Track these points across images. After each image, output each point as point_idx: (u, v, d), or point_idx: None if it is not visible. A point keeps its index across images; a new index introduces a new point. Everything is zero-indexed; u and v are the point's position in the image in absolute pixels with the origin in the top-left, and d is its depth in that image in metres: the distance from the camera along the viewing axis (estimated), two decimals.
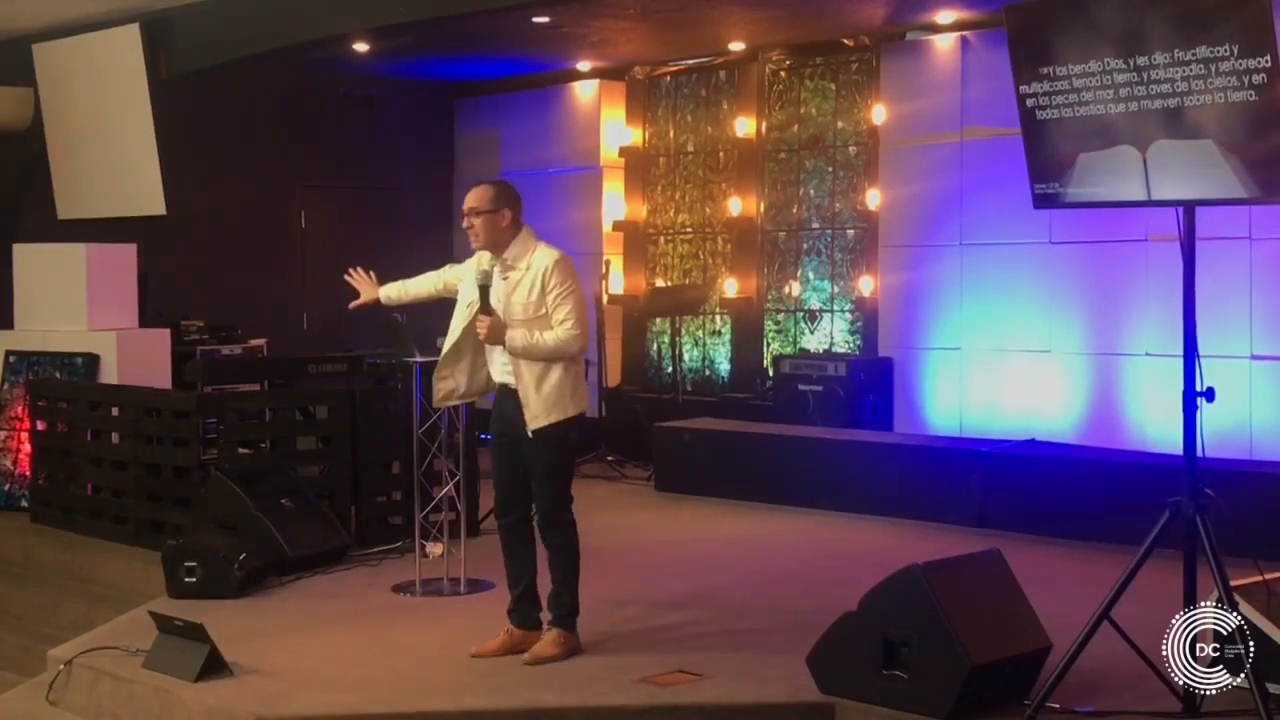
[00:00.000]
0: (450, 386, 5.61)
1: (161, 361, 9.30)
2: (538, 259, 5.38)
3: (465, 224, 5.45)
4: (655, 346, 11.77)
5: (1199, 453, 4.64)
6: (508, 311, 5.37)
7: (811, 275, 10.85)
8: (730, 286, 11.16)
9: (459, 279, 5.71)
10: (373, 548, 7.45)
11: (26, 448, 8.90)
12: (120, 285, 9.30)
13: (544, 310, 5.33)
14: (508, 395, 5.45)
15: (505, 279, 5.41)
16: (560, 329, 5.31)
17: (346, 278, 6.10)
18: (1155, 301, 8.62)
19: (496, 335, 5.32)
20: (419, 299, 6.00)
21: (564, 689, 5.10)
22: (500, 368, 5.46)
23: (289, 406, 8.07)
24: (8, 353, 9.29)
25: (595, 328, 11.39)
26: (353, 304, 6.09)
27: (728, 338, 11.39)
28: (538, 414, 5.33)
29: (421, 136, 12.73)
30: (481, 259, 5.48)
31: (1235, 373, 8.18)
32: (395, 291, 6.01)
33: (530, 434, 5.34)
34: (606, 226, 11.80)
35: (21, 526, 8.49)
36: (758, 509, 8.76)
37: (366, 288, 6.04)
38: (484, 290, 5.36)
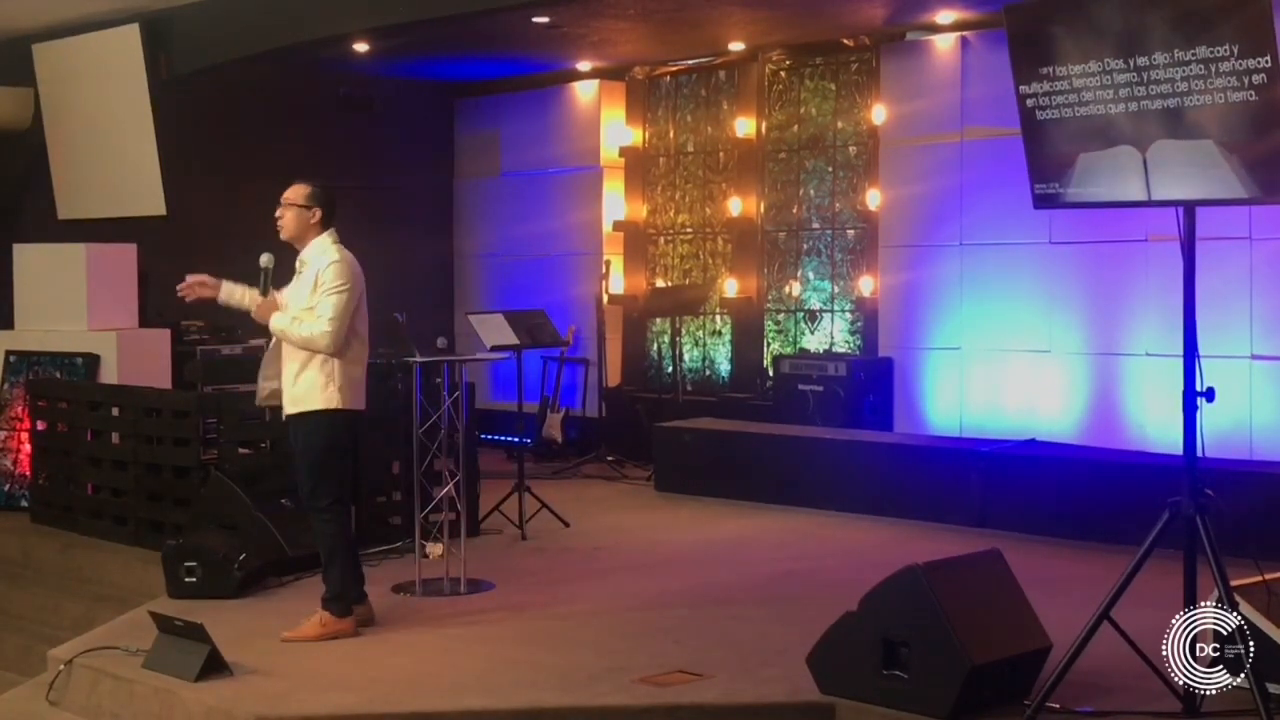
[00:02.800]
0: (274, 386, 5.95)
1: (161, 361, 9.31)
2: (321, 258, 5.78)
3: (278, 213, 5.84)
4: (655, 346, 11.77)
5: (1199, 453, 4.64)
6: (286, 300, 5.82)
7: (811, 275, 10.85)
8: (730, 286, 11.15)
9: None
10: (373, 548, 7.44)
11: (26, 448, 8.90)
12: (120, 285, 9.31)
13: (311, 305, 5.73)
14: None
15: (299, 273, 5.85)
16: (316, 323, 5.68)
17: (183, 292, 6.15)
18: (1155, 301, 8.62)
19: (264, 314, 5.79)
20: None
21: (564, 689, 5.10)
22: (282, 359, 5.85)
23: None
24: (8, 353, 9.30)
25: (595, 328, 11.42)
26: (189, 297, 6.15)
27: (728, 338, 11.39)
28: (290, 400, 5.79)
29: (421, 136, 12.72)
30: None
31: (1235, 373, 8.17)
32: (236, 293, 6.09)
33: (284, 418, 5.84)
34: (606, 226, 11.80)
35: (21, 526, 8.49)
36: (758, 509, 8.76)
37: (207, 288, 6.10)
38: (266, 272, 5.82)
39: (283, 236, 5.86)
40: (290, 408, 5.80)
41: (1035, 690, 4.66)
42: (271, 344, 5.96)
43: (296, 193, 5.84)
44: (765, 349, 11.05)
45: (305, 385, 5.75)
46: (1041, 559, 6.86)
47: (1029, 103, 5.00)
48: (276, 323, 5.76)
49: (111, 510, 8.03)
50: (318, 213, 5.83)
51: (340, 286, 5.72)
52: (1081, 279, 9.19)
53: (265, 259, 5.86)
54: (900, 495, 8.36)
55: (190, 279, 6.10)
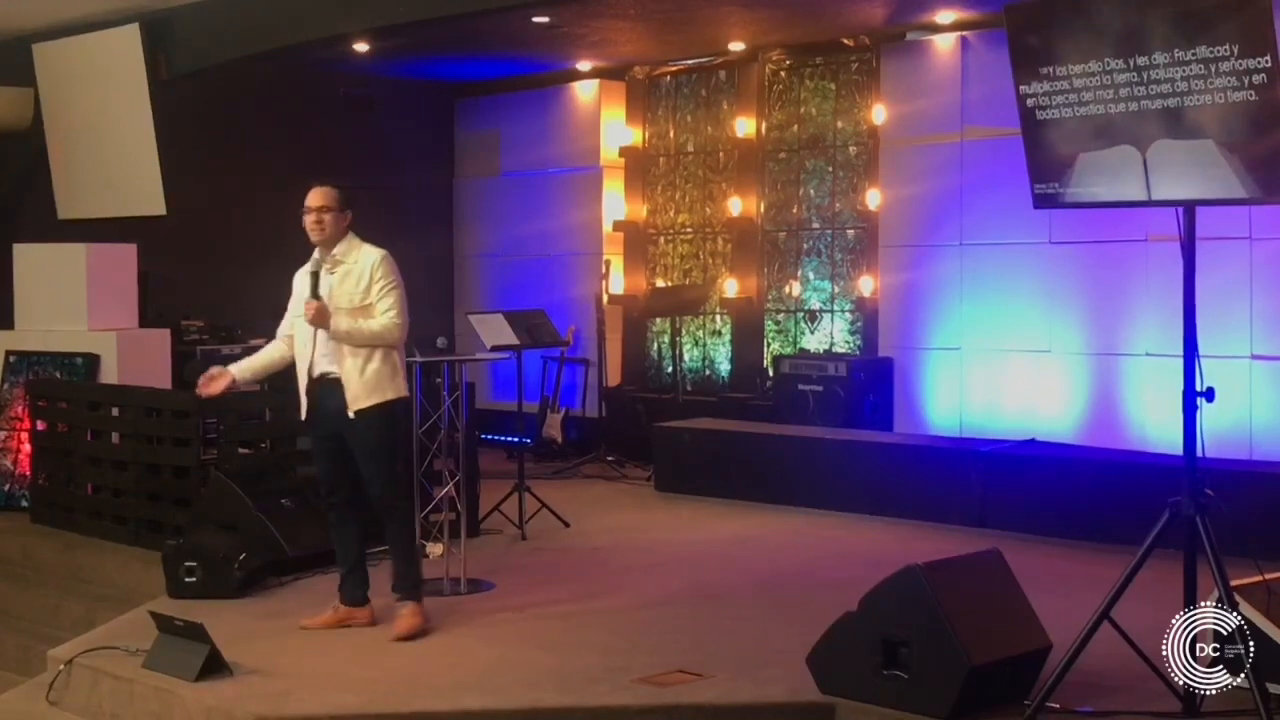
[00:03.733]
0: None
1: (161, 361, 9.29)
2: (364, 255, 5.85)
3: (313, 219, 5.83)
4: (655, 346, 11.77)
5: (1199, 453, 4.64)
6: (334, 302, 5.76)
7: (811, 275, 10.86)
8: (730, 286, 11.15)
9: (290, 312, 6.04)
10: (373, 548, 7.43)
11: (26, 448, 8.90)
12: (120, 285, 9.30)
13: (368, 301, 5.77)
14: (327, 387, 5.78)
15: (333, 273, 5.82)
16: (384, 318, 5.76)
17: (199, 393, 6.08)
18: (1155, 301, 8.62)
19: (322, 319, 5.71)
20: (271, 367, 6.14)
21: (564, 689, 5.10)
22: (320, 360, 5.79)
23: (289, 406, 8.04)
24: (8, 353, 9.29)
25: (595, 328, 11.41)
26: (205, 392, 6.05)
27: (728, 338, 11.38)
28: (359, 395, 5.74)
29: (421, 136, 12.72)
30: (308, 265, 5.90)
31: (1235, 373, 8.18)
32: (247, 371, 6.10)
33: (352, 415, 5.73)
34: (606, 226, 11.80)
35: (21, 526, 8.49)
36: (758, 509, 8.76)
37: (218, 381, 6.00)
38: (315, 277, 5.79)
39: (316, 240, 5.87)
40: (359, 402, 5.75)
41: (1035, 690, 4.66)
42: (283, 345, 6.01)
43: (328, 197, 5.88)
44: (765, 349, 11.05)
45: (374, 378, 5.77)
46: (1041, 559, 6.86)
47: (1029, 103, 5.00)
48: (341, 324, 5.73)
49: (111, 510, 8.02)
50: (349, 215, 5.92)
51: (397, 279, 5.85)
52: (1081, 279, 9.19)
53: (314, 264, 5.87)
54: (900, 495, 8.37)
55: (202, 380, 6.02)
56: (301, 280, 5.97)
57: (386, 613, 6.18)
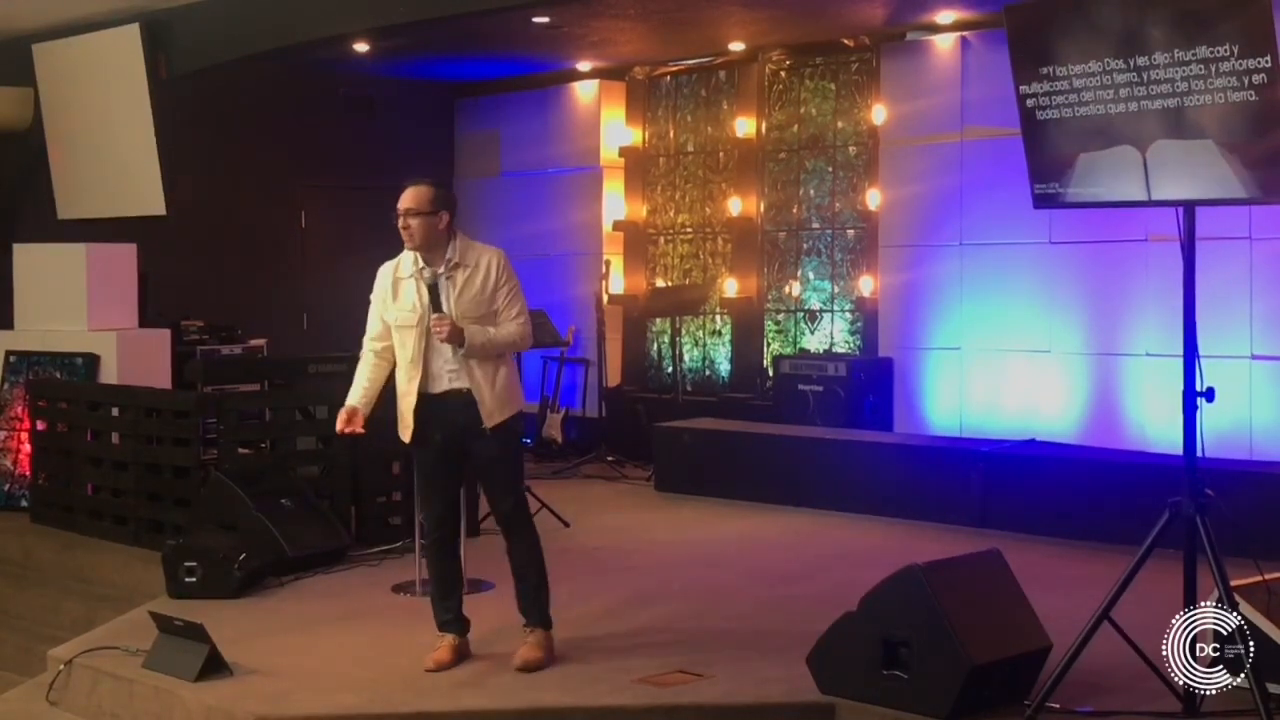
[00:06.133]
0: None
1: (161, 361, 9.29)
2: (484, 257, 5.36)
3: (400, 225, 5.30)
4: (655, 346, 11.77)
5: (1199, 453, 4.64)
6: (458, 311, 5.29)
7: (811, 275, 10.85)
8: (730, 286, 11.15)
9: (384, 311, 5.45)
10: (373, 548, 7.45)
11: (26, 448, 8.90)
12: (120, 285, 9.30)
13: (494, 307, 5.33)
14: (455, 401, 5.33)
15: (450, 279, 5.32)
16: (513, 323, 5.34)
17: (344, 432, 5.55)
18: (1155, 301, 8.62)
19: (456, 335, 5.23)
20: (379, 383, 5.57)
21: (564, 689, 5.10)
22: (447, 376, 5.33)
23: (289, 406, 8.07)
24: (8, 353, 9.29)
25: (595, 328, 11.42)
26: (349, 431, 5.53)
27: (728, 338, 11.38)
28: (493, 410, 5.32)
29: (421, 136, 12.72)
30: (401, 266, 5.40)
31: (1235, 373, 8.17)
32: (366, 397, 5.55)
33: (489, 432, 5.32)
34: (606, 226, 11.80)
35: (21, 526, 8.49)
36: (758, 509, 8.76)
37: (355, 421, 5.51)
38: (433, 290, 5.28)
39: (409, 248, 5.33)
40: (494, 417, 5.32)
41: (1035, 690, 4.66)
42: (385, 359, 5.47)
43: (418, 199, 5.27)
44: (765, 349, 11.05)
45: (505, 390, 5.36)
46: (1041, 559, 6.86)
47: (1029, 103, 5.00)
48: (476, 338, 5.25)
49: (111, 510, 8.02)
50: (445, 217, 5.29)
51: (515, 280, 5.41)
52: (1081, 279, 9.20)
53: (430, 274, 5.31)
54: (900, 495, 8.36)
55: (342, 419, 5.49)
56: (396, 285, 5.40)
57: (388, 612, 6.17)
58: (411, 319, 5.33)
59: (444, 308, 5.28)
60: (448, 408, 5.34)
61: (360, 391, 5.52)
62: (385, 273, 5.45)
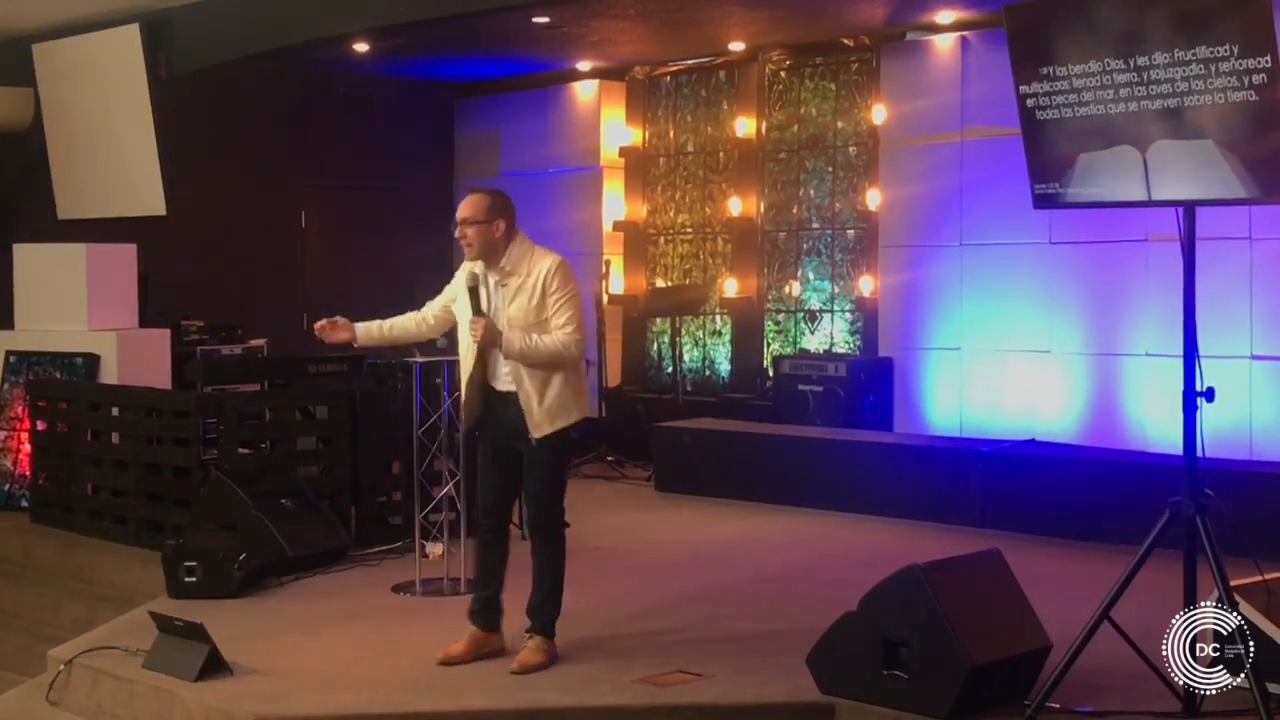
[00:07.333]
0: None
1: (161, 361, 9.29)
2: (537, 264, 5.29)
3: (458, 234, 5.32)
4: (655, 347, 11.77)
5: (1199, 453, 4.64)
6: (507, 318, 5.27)
7: (811, 275, 10.86)
8: (730, 286, 11.16)
9: (452, 299, 5.53)
10: (373, 548, 7.44)
11: (26, 448, 8.90)
12: (120, 285, 9.30)
13: (544, 315, 5.26)
14: (508, 401, 5.32)
15: (504, 286, 5.31)
16: (560, 333, 5.23)
17: (317, 331, 5.60)
18: (1155, 301, 8.62)
19: (491, 338, 5.22)
20: (398, 341, 5.74)
21: (564, 689, 5.10)
22: (503, 378, 5.33)
23: (289, 406, 8.07)
24: (8, 353, 9.29)
25: (595, 328, 11.41)
26: (328, 338, 5.59)
27: (728, 338, 11.39)
28: (541, 422, 5.26)
29: (421, 136, 12.73)
30: (472, 266, 5.41)
31: (1235, 373, 8.18)
32: (374, 332, 5.63)
33: (535, 442, 5.28)
34: (606, 226, 11.81)
35: (21, 526, 8.49)
36: (758, 509, 8.76)
37: (339, 332, 5.55)
38: (473, 292, 5.28)
39: (469, 257, 5.33)
40: (542, 429, 5.25)
41: (1035, 690, 4.66)
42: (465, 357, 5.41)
43: (474, 208, 5.27)
44: (765, 349, 11.05)
45: (556, 404, 5.26)
46: (1041, 559, 6.86)
47: (1029, 103, 5.00)
48: (515, 343, 5.20)
49: (111, 510, 8.02)
50: (501, 225, 5.27)
51: (573, 288, 5.30)
52: (1081, 279, 9.20)
53: (470, 277, 5.32)
54: (900, 495, 8.36)
55: (323, 321, 5.54)
56: (461, 287, 5.43)
57: (388, 612, 6.17)
58: (463, 306, 5.40)
59: (489, 311, 5.29)
60: (503, 408, 5.35)
61: (373, 325, 5.62)
62: (464, 269, 5.46)
